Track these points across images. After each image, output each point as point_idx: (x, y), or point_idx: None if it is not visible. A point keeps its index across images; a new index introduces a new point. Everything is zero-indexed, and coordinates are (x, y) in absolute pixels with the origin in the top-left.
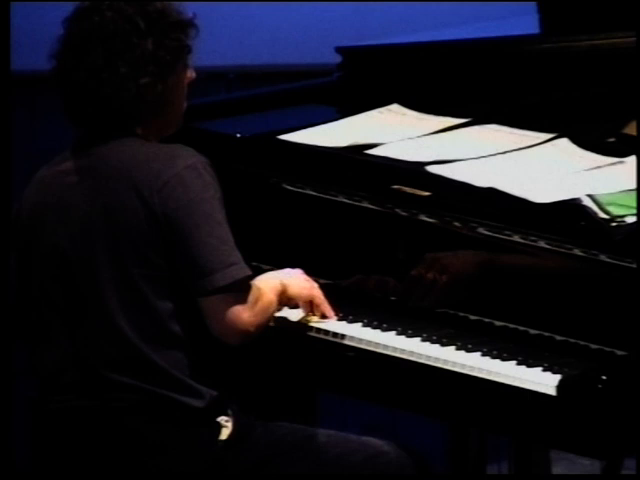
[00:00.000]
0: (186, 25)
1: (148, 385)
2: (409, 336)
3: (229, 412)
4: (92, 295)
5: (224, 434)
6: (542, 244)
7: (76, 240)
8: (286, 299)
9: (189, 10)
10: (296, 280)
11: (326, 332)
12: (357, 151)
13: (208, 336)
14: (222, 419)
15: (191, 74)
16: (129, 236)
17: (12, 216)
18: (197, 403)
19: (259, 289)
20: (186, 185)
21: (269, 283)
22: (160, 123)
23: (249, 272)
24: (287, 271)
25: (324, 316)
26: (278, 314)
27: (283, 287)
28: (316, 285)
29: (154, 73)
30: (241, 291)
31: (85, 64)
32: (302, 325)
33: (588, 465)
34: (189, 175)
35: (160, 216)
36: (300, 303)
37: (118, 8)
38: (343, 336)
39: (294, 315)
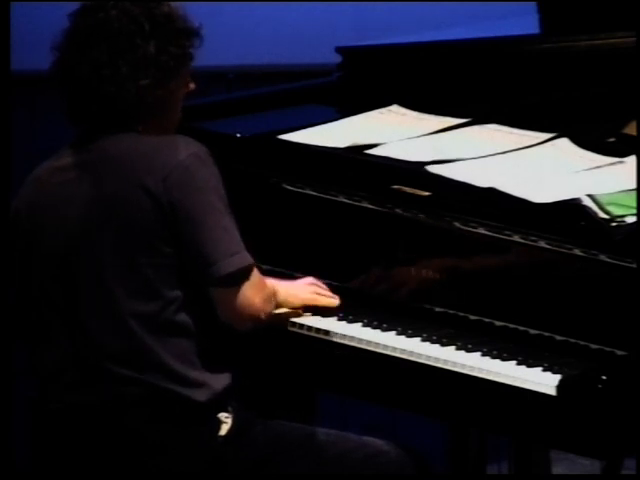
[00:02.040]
0: (191, 33)
1: (150, 378)
2: (409, 336)
3: (229, 408)
4: (95, 291)
5: (224, 430)
6: (542, 244)
7: (77, 236)
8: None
9: (189, 10)
10: (285, 289)
11: (326, 332)
12: (357, 151)
13: (211, 331)
14: (222, 415)
15: (191, 85)
16: (135, 226)
17: (10, 215)
18: (199, 397)
19: (263, 279)
20: (190, 173)
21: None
22: (159, 124)
23: (251, 260)
24: (284, 282)
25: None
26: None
27: (274, 291)
28: (307, 296)
29: (155, 77)
30: (249, 277)
31: (88, 59)
32: (302, 325)
33: (588, 465)
34: (193, 163)
35: (165, 205)
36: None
37: (124, 8)
38: (343, 336)
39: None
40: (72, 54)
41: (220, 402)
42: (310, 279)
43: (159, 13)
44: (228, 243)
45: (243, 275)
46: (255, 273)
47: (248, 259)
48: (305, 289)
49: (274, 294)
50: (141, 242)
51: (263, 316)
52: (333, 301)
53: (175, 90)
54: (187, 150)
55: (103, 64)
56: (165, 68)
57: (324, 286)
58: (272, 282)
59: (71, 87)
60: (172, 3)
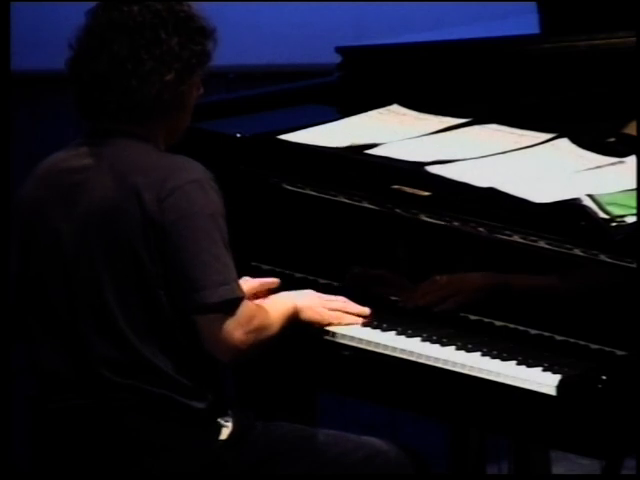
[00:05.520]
0: (210, 34)
1: (148, 386)
2: (409, 336)
3: (229, 412)
4: (91, 296)
5: (224, 434)
6: (542, 244)
7: (74, 241)
8: (298, 322)
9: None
10: (310, 303)
11: (326, 332)
12: (357, 151)
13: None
14: (222, 419)
15: (200, 89)
16: (125, 240)
17: (13, 205)
18: (198, 404)
19: (259, 308)
20: (189, 198)
21: (280, 305)
22: (169, 126)
23: (240, 294)
24: (304, 293)
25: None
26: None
27: (295, 310)
28: (333, 306)
29: (178, 72)
30: (233, 310)
31: (108, 53)
32: (301, 325)
33: (588, 465)
34: (193, 189)
35: (158, 226)
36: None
37: (147, 4)
38: (343, 336)
39: None
40: (91, 49)
41: (219, 407)
42: (341, 298)
43: (180, 10)
44: (216, 272)
45: (227, 307)
46: (242, 307)
47: (235, 292)
48: (330, 304)
49: (266, 327)
50: (129, 255)
51: (245, 348)
52: (359, 320)
53: (191, 90)
54: (190, 175)
55: (125, 58)
56: (187, 64)
57: (352, 305)
58: (292, 298)
59: (88, 82)
60: (190, 3)
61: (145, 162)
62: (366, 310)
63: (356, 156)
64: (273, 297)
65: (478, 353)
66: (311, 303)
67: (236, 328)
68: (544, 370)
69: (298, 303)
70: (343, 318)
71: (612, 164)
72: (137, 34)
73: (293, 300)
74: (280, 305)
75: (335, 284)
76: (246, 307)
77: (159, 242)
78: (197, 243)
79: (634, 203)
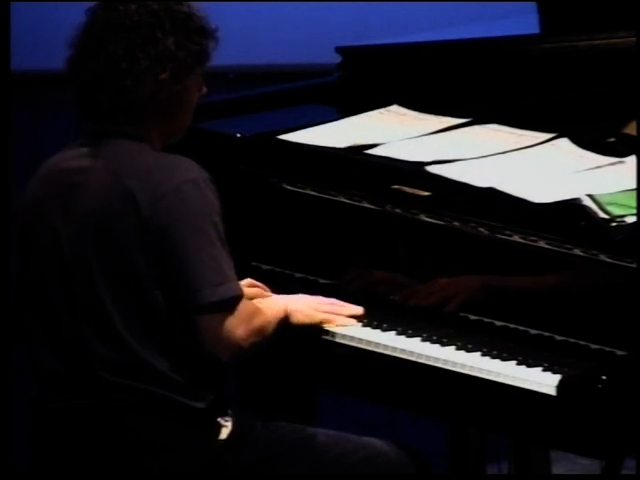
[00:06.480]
0: (209, 33)
1: (147, 386)
2: (409, 336)
3: (229, 412)
4: (89, 297)
5: (224, 434)
6: (542, 244)
7: (74, 241)
8: (289, 325)
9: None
10: (301, 307)
11: (326, 332)
12: (357, 151)
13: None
14: (222, 419)
15: (203, 89)
16: (120, 242)
17: (13, 209)
18: (197, 404)
19: (258, 308)
20: (183, 199)
21: (272, 307)
22: (167, 126)
23: (237, 292)
24: (295, 296)
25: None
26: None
27: (286, 314)
28: (325, 309)
29: (173, 72)
30: (233, 308)
31: (105, 53)
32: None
33: (588, 465)
34: (188, 189)
35: (153, 229)
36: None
37: (144, 3)
38: (343, 336)
39: None
40: (89, 48)
41: (219, 407)
42: (333, 300)
43: (179, 10)
44: (214, 272)
45: (227, 306)
46: (242, 305)
47: (234, 291)
48: (321, 307)
49: (265, 326)
50: (124, 258)
51: (246, 346)
52: (351, 320)
53: (189, 90)
54: (185, 175)
55: (120, 57)
56: (183, 64)
57: (344, 306)
58: (283, 302)
59: (86, 82)
60: (191, 3)
61: (140, 163)
62: (359, 310)
63: (356, 156)
64: (264, 300)
65: (478, 353)
66: (301, 307)
67: (237, 326)
68: (544, 370)
69: (289, 307)
70: (334, 320)
71: (612, 164)
72: (133, 33)
73: (284, 303)
74: (272, 307)
75: (335, 284)
76: (246, 305)
77: (155, 244)
78: (194, 244)
79: (634, 203)
